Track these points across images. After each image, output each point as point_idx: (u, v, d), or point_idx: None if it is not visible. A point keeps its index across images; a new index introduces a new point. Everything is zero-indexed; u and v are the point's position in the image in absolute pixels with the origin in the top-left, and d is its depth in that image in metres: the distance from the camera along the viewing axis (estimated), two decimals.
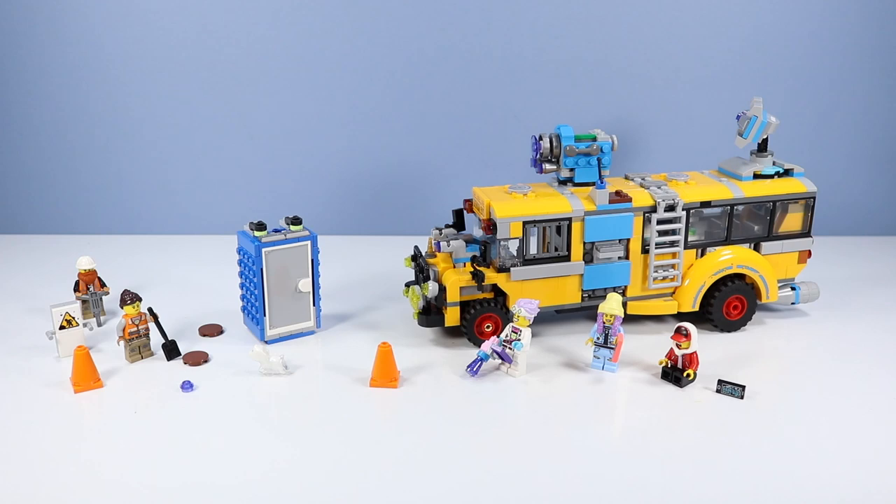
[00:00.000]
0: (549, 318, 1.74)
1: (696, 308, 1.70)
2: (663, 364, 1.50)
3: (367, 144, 2.29)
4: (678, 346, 1.47)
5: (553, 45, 2.20)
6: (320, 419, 1.38)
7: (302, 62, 2.22)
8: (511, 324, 1.53)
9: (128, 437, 1.31)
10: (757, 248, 1.73)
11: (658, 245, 1.66)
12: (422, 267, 1.67)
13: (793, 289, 1.78)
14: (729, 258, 1.69)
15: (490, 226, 1.60)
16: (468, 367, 1.51)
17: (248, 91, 2.24)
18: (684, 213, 1.65)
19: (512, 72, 2.22)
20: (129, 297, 1.56)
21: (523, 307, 1.50)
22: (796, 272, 1.77)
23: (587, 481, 1.20)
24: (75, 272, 1.74)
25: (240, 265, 1.68)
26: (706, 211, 1.69)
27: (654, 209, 1.63)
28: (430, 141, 2.29)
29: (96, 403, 1.42)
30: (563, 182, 1.70)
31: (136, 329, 1.56)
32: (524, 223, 1.58)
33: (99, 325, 1.74)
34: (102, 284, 1.76)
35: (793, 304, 1.79)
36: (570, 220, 1.60)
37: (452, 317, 1.61)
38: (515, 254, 1.61)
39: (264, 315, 1.62)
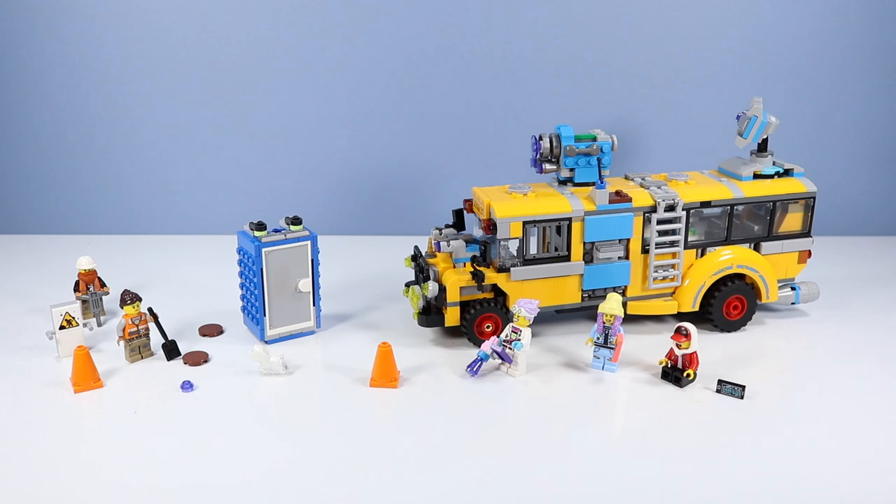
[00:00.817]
0: (549, 318, 1.74)
1: (696, 308, 1.70)
2: (663, 364, 1.50)
3: (367, 144, 2.29)
4: (678, 346, 1.47)
5: (553, 45, 2.20)
6: (320, 419, 1.38)
7: (302, 62, 2.22)
8: (511, 324, 1.53)
9: (128, 437, 1.31)
10: (757, 248, 1.73)
11: (658, 245, 1.66)
12: (422, 267, 1.67)
13: (793, 289, 1.78)
14: (729, 258, 1.69)
15: (490, 226, 1.60)
16: (468, 367, 1.51)
17: (248, 91, 2.24)
18: (684, 213, 1.65)
19: (512, 72, 2.22)
20: (129, 297, 1.56)
21: (523, 307, 1.50)
22: (796, 272, 1.77)
23: (587, 481, 1.20)
24: (75, 272, 1.74)
25: (240, 265, 1.68)
26: (706, 211, 1.69)
27: (654, 209, 1.63)
28: (430, 141, 2.29)
29: (96, 403, 1.42)
30: (563, 182, 1.70)
31: (136, 329, 1.56)
32: (524, 223, 1.58)
33: (99, 325, 1.74)
34: (102, 284, 1.76)
35: (793, 304, 1.79)
36: (570, 220, 1.60)
37: (452, 317, 1.61)
38: (515, 254, 1.61)
39: (264, 315, 1.62)
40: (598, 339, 1.53)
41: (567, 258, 1.63)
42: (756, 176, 1.71)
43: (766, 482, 1.20)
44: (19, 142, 2.30)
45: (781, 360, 1.62)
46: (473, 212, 1.69)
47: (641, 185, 1.70)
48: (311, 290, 1.65)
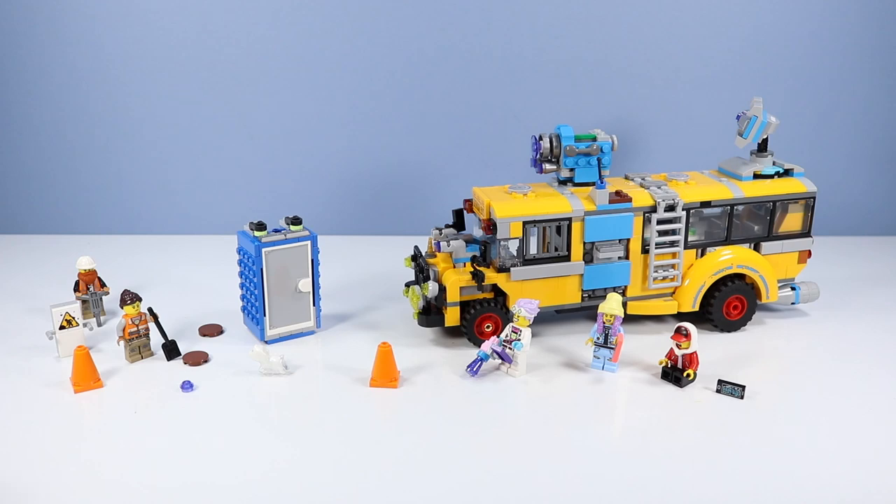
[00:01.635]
0: (549, 318, 1.74)
1: (696, 308, 1.70)
2: (663, 364, 1.50)
3: (367, 144, 2.29)
4: (678, 346, 1.47)
5: (553, 45, 2.20)
6: (320, 419, 1.38)
7: (302, 62, 2.22)
8: (511, 324, 1.53)
9: (128, 437, 1.31)
10: (757, 248, 1.73)
11: (658, 245, 1.66)
12: (422, 267, 1.67)
13: (793, 289, 1.78)
14: (729, 258, 1.69)
15: (490, 226, 1.60)
16: (468, 367, 1.51)
17: (248, 91, 2.24)
18: (684, 213, 1.65)
19: (512, 72, 2.22)
20: (129, 297, 1.56)
21: (523, 307, 1.50)
22: (796, 272, 1.77)
23: (587, 481, 1.20)
24: (75, 272, 1.74)
25: (240, 265, 1.68)
26: (706, 211, 1.69)
27: (654, 209, 1.63)
28: (430, 141, 2.29)
29: (96, 403, 1.42)
30: (563, 182, 1.70)
31: (136, 329, 1.56)
32: (524, 223, 1.58)
33: (99, 325, 1.74)
34: (102, 284, 1.76)
35: (793, 304, 1.79)
36: (570, 220, 1.60)
37: (452, 317, 1.61)
38: (515, 254, 1.61)
39: (264, 315, 1.62)
40: (598, 339, 1.53)
41: (567, 258, 1.63)
42: (756, 176, 1.71)
43: (766, 482, 1.20)
44: (19, 142, 2.30)
45: (781, 360, 1.62)
46: (473, 212, 1.69)
47: (641, 185, 1.70)
48: (311, 290, 1.65)
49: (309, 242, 1.63)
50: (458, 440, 1.31)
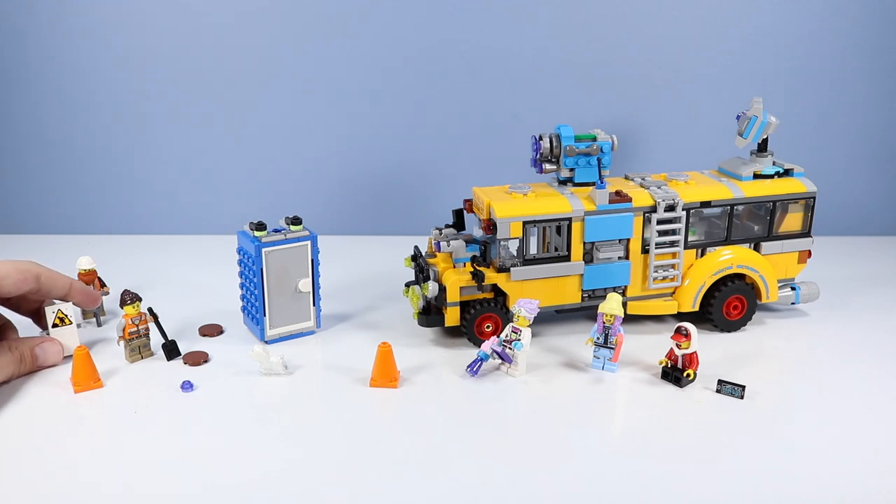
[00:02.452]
0: (549, 318, 1.74)
1: (696, 308, 1.70)
2: (663, 364, 1.50)
3: (367, 144, 2.29)
4: (678, 346, 1.47)
5: (553, 45, 2.20)
6: (320, 419, 1.38)
7: (302, 62, 2.22)
8: (511, 324, 1.53)
9: (128, 437, 1.31)
10: (757, 248, 1.73)
11: (658, 245, 1.66)
12: (422, 267, 1.67)
13: (793, 289, 1.78)
14: (729, 258, 1.69)
15: (490, 226, 1.60)
16: (468, 367, 1.51)
17: (248, 91, 2.24)
18: (684, 213, 1.65)
19: (512, 72, 2.22)
20: (129, 297, 1.55)
21: (523, 307, 1.50)
22: (796, 272, 1.77)
23: (587, 481, 1.20)
24: (75, 272, 1.74)
25: (240, 265, 1.68)
26: (706, 211, 1.69)
27: (654, 209, 1.63)
28: (430, 141, 2.29)
29: (96, 403, 1.42)
30: (563, 182, 1.70)
31: (136, 329, 1.56)
32: (524, 223, 1.58)
33: (99, 325, 1.74)
34: (102, 284, 1.76)
35: (793, 304, 1.79)
36: (570, 220, 1.60)
37: (452, 317, 1.61)
38: (515, 254, 1.61)
39: (264, 315, 1.62)
40: (598, 339, 1.53)
41: (567, 258, 1.63)
42: (756, 176, 1.71)
43: (766, 482, 1.20)
44: (20, 142, 2.30)
45: (781, 360, 1.62)
46: (473, 212, 1.69)
47: (641, 185, 1.70)
48: (311, 290, 1.65)
49: (309, 242, 1.63)
50: (458, 440, 1.31)
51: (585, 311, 1.72)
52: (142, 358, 1.58)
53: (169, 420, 1.37)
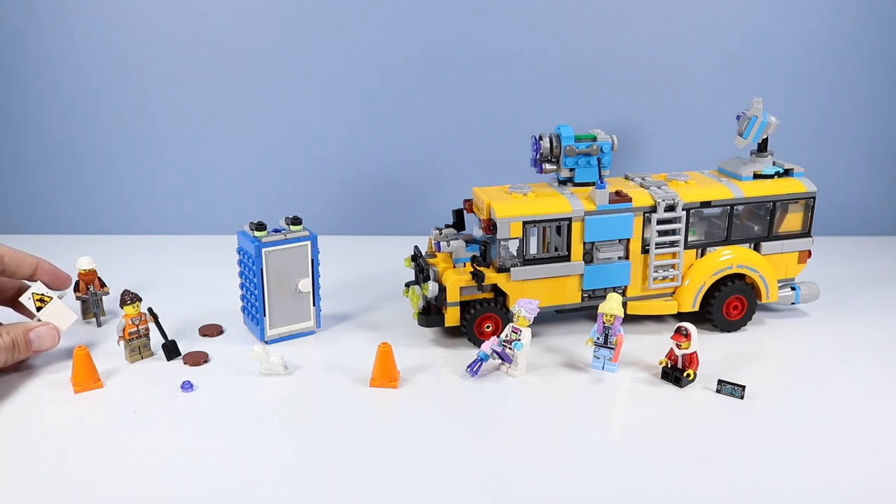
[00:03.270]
0: (549, 318, 1.74)
1: (696, 308, 1.70)
2: (663, 364, 1.50)
3: (367, 144, 2.29)
4: (678, 346, 1.47)
5: (553, 45, 2.20)
6: (320, 419, 1.38)
7: (302, 62, 2.22)
8: (511, 324, 1.53)
9: (128, 437, 1.31)
10: (757, 248, 1.73)
11: (658, 245, 1.66)
12: (422, 267, 1.67)
13: (793, 289, 1.78)
14: (729, 258, 1.69)
15: (490, 226, 1.60)
16: (468, 367, 1.51)
17: (248, 91, 2.24)
18: (684, 213, 1.65)
19: (512, 72, 2.22)
20: (129, 297, 1.55)
21: (523, 307, 1.50)
22: (796, 272, 1.77)
23: (587, 481, 1.20)
24: (75, 272, 1.74)
25: (240, 265, 1.68)
26: (706, 211, 1.69)
27: (654, 209, 1.63)
28: (430, 141, 2.29)
29: (96, 403, 1.42)
30: (563, 182, 1.70)
31: (136, 329, 1.56)
32: (524, 223, 1.58)
33: (99, 325, 1.74)
34: (102, 284, 1.76)
35: (793, 304, 1.79)
36: (570, 220, 1.60)
37: (452, 317, 1.61)
38: (515, 254, 1.61)
39: (264, 315, 1.62)
40: (598, 339, 1.53)
41: (567, 258, 1.63)
42: (756, 176, 1.71)
43: (766, 482, 1.20)
44: (20, 142, 2.30)
45: (781, 360, 1.62)
46: (473, 212, 1.69)
47: (641, 185, 1.70)
48: (311, 290, 1.65)
49: (309, 242, 1.63)
50: (458, 440, 1.31)
51: (585, 311, 1.72)
52: (142, 358, 1.58)
53: (169, 420, 1.37)
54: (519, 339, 1.50)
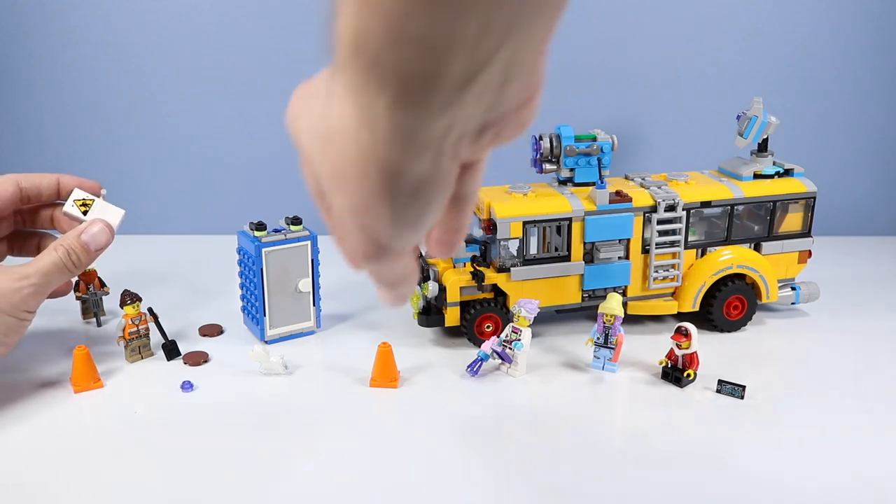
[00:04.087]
0: (549, 318, 1.74)
1: (696, 308, 1.70)
2: (663, 364, 1.50)
3: None
4: (678, 346, 1.47)
5: (553, 45, 2.19)
6: (320, 419, 1.38)
7: (302, 62, 2.22)
8: (511, 324, 1.53)
9: (128, 437, 1.31)
10: (757, 248, 1.73)
11: (658, 245, 1.66)
12: (422, 267, 1.67)
13: (793, 289, 1.78)
14: (729, 258, 1.69)
15: (490, 226, 1.60)
16: (468, 367, 1.51)
17: (248, 91, 2.24)
18: (684, 213, 1.65)
19: None
20: (129, 297, 1.55)
21: (523, 307, 1.50)
22: (796, 272, 1.77)
23: (587, 481, 1.20)
24: None
25: (240, 265, 1.68)
26: (706, 211, 1.69)
27: (654, 209, 1.63)
28: None
29: (96, 403, 1.42)
30: (563, 182, 1.70)
31: (136, 329, 1.56)
32: (524, 223, 1.58)
33: (99, 325, 1.74)
34: (102, 284, 1.76)
35: (793, 304, 1.79)
36: (570, 220, 1.60)
37: (452, 317, 1.61)
38: (515, 254, 1.61)
39: (264, 315, 1.62)
40: (598, 339, 1.53)
41: (567, 258, 1.63)
42: (756, 176, 1.71)
43: (767, 482, 1.20)
44: (20, 142, 2.30)
45: (781, 360, 1.62)
46: (473, 212, 1.69)
47: (641, 185, 1.70)
48: (311, 290, 1.65)
49: (309, 242, 1.63)
50: (459, 440, 1.31)
51: (585, 311, 1.72)
52: (142, 358, 1.58)
53: (169, 420, 1.36)
54: (519, 339, 1.50)
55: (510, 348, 1.51)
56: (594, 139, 1.66)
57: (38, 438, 1.31)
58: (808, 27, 2.19)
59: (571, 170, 1.67)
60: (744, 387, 1.43)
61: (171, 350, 1.58)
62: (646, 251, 1.66)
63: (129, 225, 2.34)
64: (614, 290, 1.66)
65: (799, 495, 1.17)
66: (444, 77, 0.47)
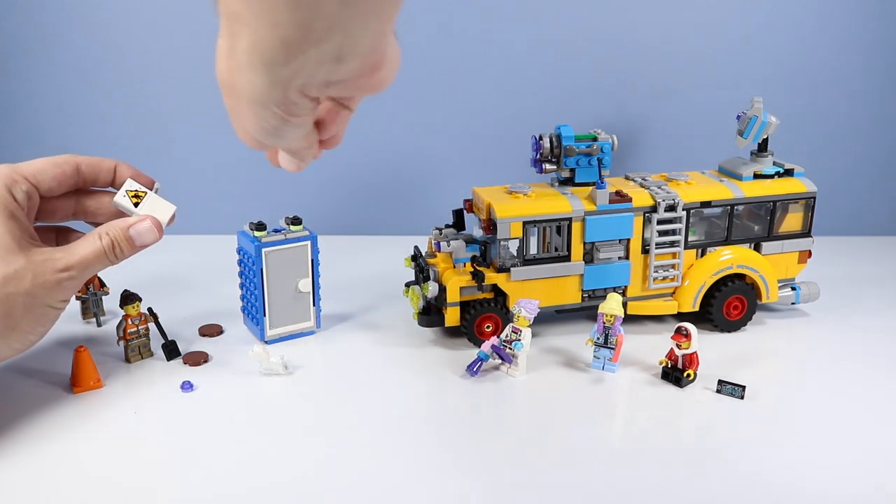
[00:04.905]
0: (549, 318, 1.74)
1: (696, 308, 1.70)
2: (663, 364, 1.50)
3: (367, 144, 2.29)
4: (678, 347, 1.47)
5: (553, 44, 2.20)
6: (320, 419, 1.38)
7: None
8: (511, 324, 1.53)
9: (128, 437, 1.31)
10: (757, 248, 1.73)
11: (658, 245, 1.66)
12: (422, 267, 1.67)
13: (793, 289, 1.78)
14: (729, 258, 1.69)
15: (490, 226, 1.60)
16: (468, 367, 1.51)
17: None
18: (684, 213, 1.65)
19: (512, 72, 2.22)
20: (129, 298, 1.55)
21: (523, 307, 1.50)
22: (796, 272, 1.77)
23: (587, 481, 1.20)
24: None
25: (240, 265, 1.68)
26: (706, 211, 1.69)
27: (654, 209, 1.63)
28: (431, 141, 2.29)
29: (96, 403, 1.42)
30: (563, 182, 1.70)
31: (136, 329, 1.56)
32: (524, 223, 1.58)
33: (99, 325, 1.74)
34: (102, 284, 1.76)
35: (793, 304, 1.79)
36: (570, 220, 1.60)
37: (452, 317, 1.61)
38: (515, 254, 1.61)
39: (264, 315, 1.62)
40: (598, 339, 1.53)
41: (567, 258, 1.63)
42: (756, 176, 1.71)
43: (767, 482, 1.20)
44: (19, 142, 2.30)
45: (781, 360, 1.62)
46: (473, 212, 1.69)
47: (642, 185, 1.70)
48: (311, 290, 1.65)
49: (309, 242, 1.63)
50: (459, 440, 1.31)
51: (585, 311, 1.72)
52: (142, 358, 1.58)
53: (169, 420, 1.37)
54: (519, 339, 1.50)
55: (510, 348, 1.51)
56: (594, 139, 1.66)
57: (38, 439, 1.31)
58: (809, 27, 2.19)
59: (571, 170, 1.67)
60: (744, 387, 1.43)
61: (171, 350, 1.58)
62: (646, 251, 1.66)
63: None
64: (614, 290, 1.66)
65: (799, 495, 1.17)
66: (282, 47, 0.70)
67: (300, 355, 1.60)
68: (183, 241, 2.28)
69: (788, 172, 1.74)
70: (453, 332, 1.67)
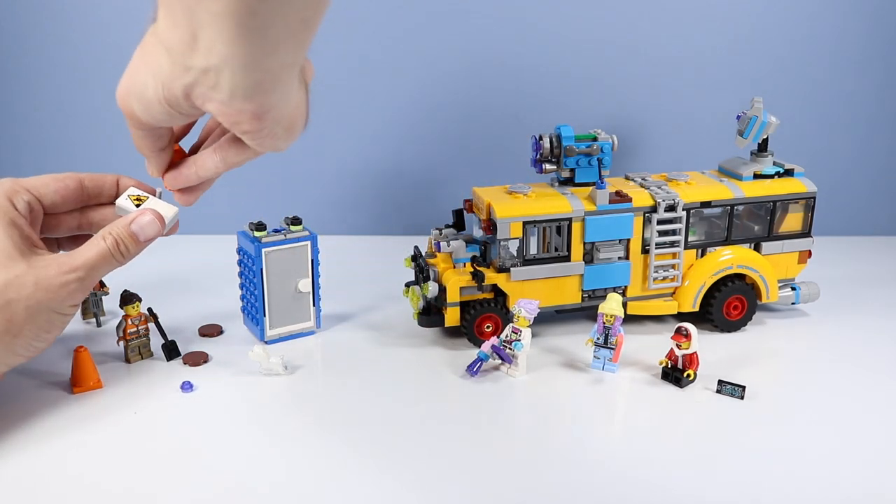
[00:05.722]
0: (549, 318, 1.74)
1: (697, 308, 1.70)
2: (663, 364, 1.50)
3: (368, 144, 2.29)
4: (678, 347, 1.47)
5: (553, 44, 2.20)
6: (320, 419, 1.38)
7: None
8: (511, 324, 1.53)
9: (128, 438, 1.31)
10: (757, 249, 1.73)
11: (658, 245, 1.66)
12: (422, 267, 1.67)
13: (793, 289, 1.78)
14: (729, 258, 1.69)
15: (490, 226, 1.60)
16: (468, 367, 1.51)
17: None
18: (684, 213, 1.65)
19: (512, 72, 2.22)
20: (129, 297, 1.55)
21: (523, 307, 1.50)
22: (796, 272, 1.77)
23: (587, 481, 1.20)
24: None
25: (240, 265, 1.68)
26: (706, 211, 1.69)
27: (654, 209, 1.63)
28: (431, 141, 2.29)
29: (96, 403, 1.42)
30: (563, 182, 1.70)
31: (136, 329, 1.56)
32: (524, 223, 1.58)
33: (99, 325, 1.74)
34: (102, 284, 1.76)
35: (793, 304, 1.79)
36: (570, 220, 1.60)
37: (452, 317, 1.61)
38: (515, 254, 1.61)
39: (264, 315, 1.62)
40: (598, 339, 1.53)
41: (567, 258, 1.63)
42: (756, 176, 1.71)
43: (767, 482, 1.20)
44: (19, 142, 2.30)
45: (781, 360, 1.62)
46: (473, 212, 1.69)
47: (642, 186, 1.70)
48: (311, 290, 1.65)
49: (309, 242, 1.63)
50: (459, 440, 1.31)
51: (585, 311, 1.72)
52: (142, 358, 1.58)
53: (169, 420, 1.37)
54: (519, 340, 1.50)
55: (510, 348, 1.51)
56: (594, 139, 1.66)
57: (38, 439, 1.31)
58: (809, 27, 2.19)
59: (571, 170, 1.67)
60: (744, 387, 1.43)
61: (170, 350, 1.58)
62: (646, 251, 1.66)
63: None
64: (614, 290, 1.66)
65: (799, 495, 1.17)
66: (181, 44, 0.95)
67: (300, 355, 1.60)
68: (183, 241, 2.28)
69: (788, 172, 1.74)
70: (453, 333, 1.67)
